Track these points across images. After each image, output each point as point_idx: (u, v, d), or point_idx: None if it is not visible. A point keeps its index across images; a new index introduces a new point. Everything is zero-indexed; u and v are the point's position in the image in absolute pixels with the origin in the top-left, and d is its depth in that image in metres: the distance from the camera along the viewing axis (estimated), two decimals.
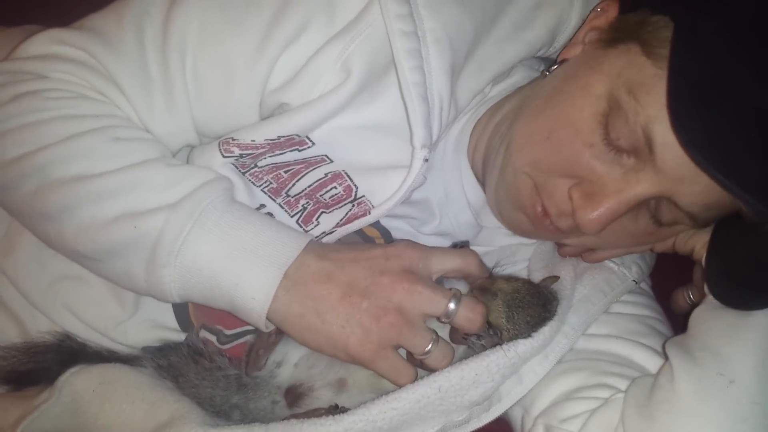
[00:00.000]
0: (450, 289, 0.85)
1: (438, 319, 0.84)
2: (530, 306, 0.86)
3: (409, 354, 0.86)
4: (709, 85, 0.77)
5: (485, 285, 0.87)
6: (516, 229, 0.99)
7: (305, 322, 0.84)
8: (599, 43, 0.90)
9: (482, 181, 1.02)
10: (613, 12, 0.93)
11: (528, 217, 0.93)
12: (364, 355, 0.83)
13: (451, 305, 0.83)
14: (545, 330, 0.86)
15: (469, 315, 0.83)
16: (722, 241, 0.88)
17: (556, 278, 0.95)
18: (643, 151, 0.81)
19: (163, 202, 0.84)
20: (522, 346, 0.85)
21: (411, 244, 0.89)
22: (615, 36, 0.88)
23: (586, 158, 0.85)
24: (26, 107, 0.87)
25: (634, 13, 0.88)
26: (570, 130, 0.85)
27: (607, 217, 0.84)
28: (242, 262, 0.83)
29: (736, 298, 0.84)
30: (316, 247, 0.87)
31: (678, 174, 0.80)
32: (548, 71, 0.96)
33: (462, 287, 0.89)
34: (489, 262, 1.00)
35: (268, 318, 0.84)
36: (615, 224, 0.86)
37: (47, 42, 0.91)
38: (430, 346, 0.83)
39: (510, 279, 0.89)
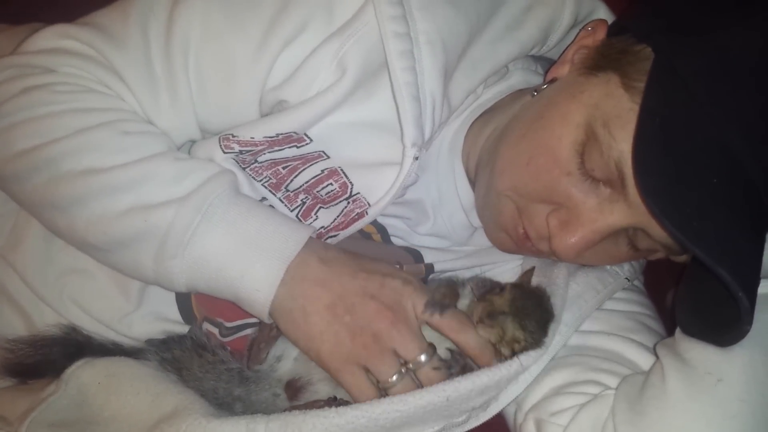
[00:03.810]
0: (429, 344, 0.86)
1: (405, 363, 0.85)
2: (532, 308, 0.88)
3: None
4: (679, 131, 0.77)
5: (487, 310, 0.87)
6: (500, 247, 1.00)
7: (291, 317, 0.87)
8: (583, 68, 0.90)
9: (473, 187, 1.03)
10: (600, 33, 0.94)
11: (511, 238, 0.95)
12: (331, 365, 0.86)
13: (421, 357, 0.85)
14: (550, 337, 0.88)
15: (430, 375, 0.85)
16: (692, 273, 0.88)
17: (531, 271, 0.96)
18: (617, 184, 0.82)
19: (172, 196, 0.86)
20: (531, 358, 0.86)
21: (412, 279, 0.89)
22: (598, 62, 0.88)
23: (564, 186, 0.86)
24: (35, 100, 0.88)
25: (619, 38, 0.88)
26: (548, 158, 0.87)
27: (581, 246, 0.86)
28: (247, 254, 0.85)
29: (700, 332, 0.82)
30: (320, 248, 0.89)
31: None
32: (536, 92, 0.97)
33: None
34: (483, 260, 1.02)
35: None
36: (596, 248, 0.88)
37: (55, 36, 0.92)
38: (394, 377, 0.84)
39: (495, 293, 0.89)
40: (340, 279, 0.86)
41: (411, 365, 0.85)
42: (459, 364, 0.87)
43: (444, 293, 0.89)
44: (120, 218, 0.86)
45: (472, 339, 0.86)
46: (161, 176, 0.87)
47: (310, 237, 0.89)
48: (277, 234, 0.87)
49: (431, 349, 0.86)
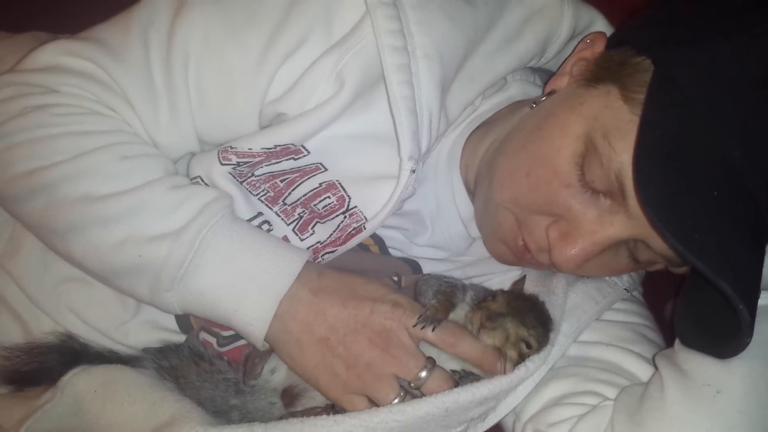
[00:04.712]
0: (428, 358, 0.86)
1: (408, 383, 0.85)
2: (528, 308, 0.88)
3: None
4: (679, 143, 0.77)
5: (486, 314, 0.87)
6: (499, 258, 1.00)
7: (288, 349, 0.88)
8: (582, 80, 0.90)
9: (472, 199, 1.02)
10: (599, 45, 0.94)
11: (510, 250, 0.95)
12: (331, 395, 0.87)
13: (423, 374, 0.84)
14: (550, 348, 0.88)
15: (436, 388, 0.84)
16: (691, 284, 0.88)
17: (522, 280, 0.97)
18: (617, 195, 0.82)
19: (165, 230, 0.86)
20: (534, 365, 0.86)
21: (402, 301, 0.89)
22: (597, 74, 0.88)
23: (564, 198, 0.86)
24: (35, 122, 0.88)
25: (618, 50, 0.88)
26: (548, 170, 0.87)
27: (581, 258, 0.86)
28: (241, 289, 0.86)
29: (699, 343, 0.82)
30: (313, 277, 0.88)
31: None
32: (534, 104, 0.97)
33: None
34: (482, 270, 1.02)
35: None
36: (596, 259, 0.87)
37: (55, 53, 0.91)
38: (396, 401, 0.85)
39: (489, 300, 0.89)
40: (331, 310, 0.87)
41: (413, 384, 0.85)
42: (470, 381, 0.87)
43: (436, 308, 0.88)
44: (115, 250, 0.86)
45: (468, 347, 0.86)
46: (155, 207, 0.87)
47: (307, 261, 0.89)
48: (271, 266, 0.87)
49: (430, 362, 0.85)
